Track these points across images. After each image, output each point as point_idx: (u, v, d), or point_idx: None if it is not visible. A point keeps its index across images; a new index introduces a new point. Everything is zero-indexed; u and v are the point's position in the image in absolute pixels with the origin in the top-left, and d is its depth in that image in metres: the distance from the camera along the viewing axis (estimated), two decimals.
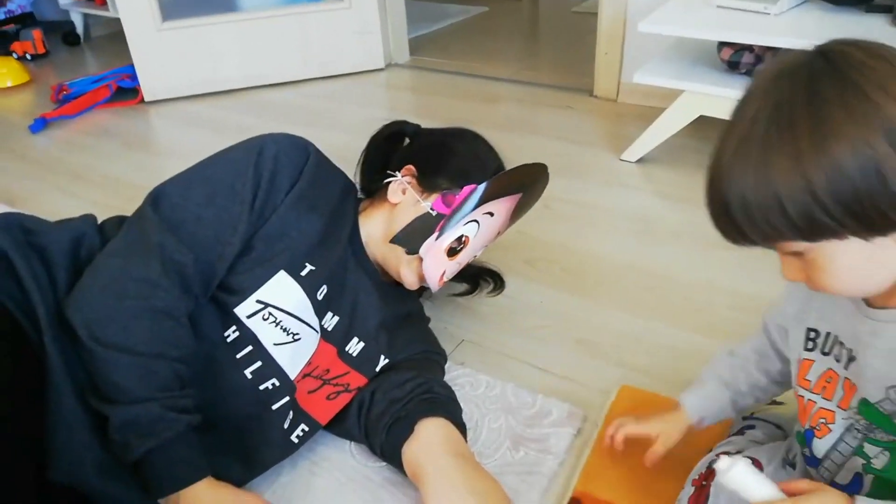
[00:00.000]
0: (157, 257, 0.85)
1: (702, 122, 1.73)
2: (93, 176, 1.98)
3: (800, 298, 0.74)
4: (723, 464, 0.65)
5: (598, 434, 1.02)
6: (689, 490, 0.84)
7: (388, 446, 0.95)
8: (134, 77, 2.56)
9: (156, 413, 0.80)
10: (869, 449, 0.66)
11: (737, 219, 0.55)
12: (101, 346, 0.80)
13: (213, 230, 0.90)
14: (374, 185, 1.13)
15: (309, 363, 0.98)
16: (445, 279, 1.06)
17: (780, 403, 0.99)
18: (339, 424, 1.02)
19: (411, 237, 1.03)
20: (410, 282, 1.06)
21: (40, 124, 2.35)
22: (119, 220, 0.98)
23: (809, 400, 0.72)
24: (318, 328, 0.99)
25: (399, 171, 1.08)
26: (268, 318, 0.93)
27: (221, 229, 0.90)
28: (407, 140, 1.18)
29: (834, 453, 0.70)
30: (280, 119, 2.36)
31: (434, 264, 1.03)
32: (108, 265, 0.86)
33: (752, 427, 0.93)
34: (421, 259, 1.03)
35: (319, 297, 0.98)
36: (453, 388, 1.08)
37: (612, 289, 1.39)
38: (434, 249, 1.02)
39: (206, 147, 1.02)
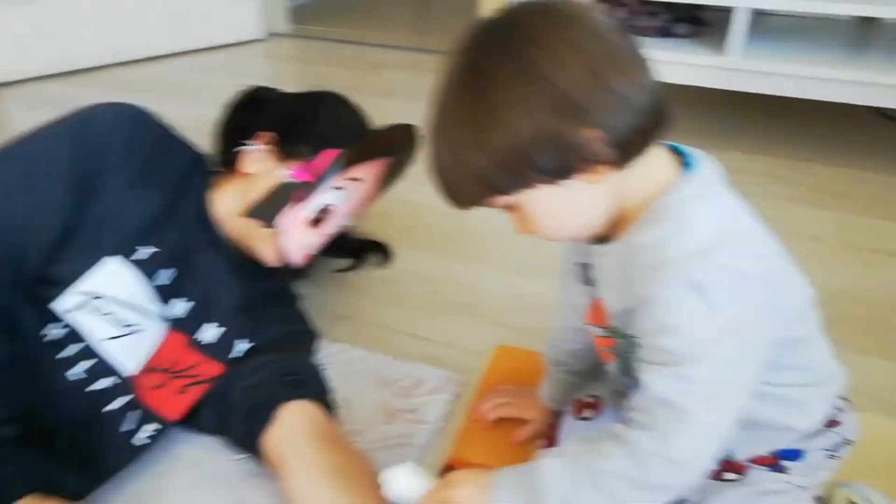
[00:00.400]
0: None
1: None
2: None
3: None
4: (386, 476, 0.71)
5: (471, 397, 0.98)
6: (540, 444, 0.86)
7: (247, 437, 0.87)
8: None
9: None
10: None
11: (443, 189, 0.61)
12: None
13: (23, 216, 0.79)
14: (227, 157, 1.03)
15: (154, 356, 0.88)
16: (311, 252, 0.98)
17: None
18: (195, 419, 0.93)
19: (267, 209, 0.94)
20: (269, 259, 0.97)
21: None
22: None
23: (593, 333, 0.73)
24: (162, 316, 0.89)
25: (254, 140, 0.98)
26: (94, 311, 0.83)
27: (35, 213, 0.80)
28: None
29: (620, 378, 0.71)
30: (149, 95, 2.17)
31: (294, 237, 0.95)
32: None
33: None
34: (278, 233, 0.94)
35: (160, 282, 0.88)
36: (327, 367, 1.01)
37: (496, 251, 1.36)
38: (293, 221, 0.94)
39: None
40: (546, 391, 0.90)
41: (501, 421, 0.93)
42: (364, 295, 1.24)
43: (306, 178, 0.94)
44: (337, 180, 0.94)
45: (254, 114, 1.06)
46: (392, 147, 0.99)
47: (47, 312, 0.81)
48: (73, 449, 0.83)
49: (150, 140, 0.89)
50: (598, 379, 0.85)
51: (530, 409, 0.91)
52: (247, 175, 0.96)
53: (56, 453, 0.82)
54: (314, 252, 0.99)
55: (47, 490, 0.76)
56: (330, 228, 0.98)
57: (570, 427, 0.84)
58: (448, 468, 0.87)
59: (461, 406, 0.98)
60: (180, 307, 0.92)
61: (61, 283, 0.81)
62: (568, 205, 0.59)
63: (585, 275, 0.72)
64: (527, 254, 1.33)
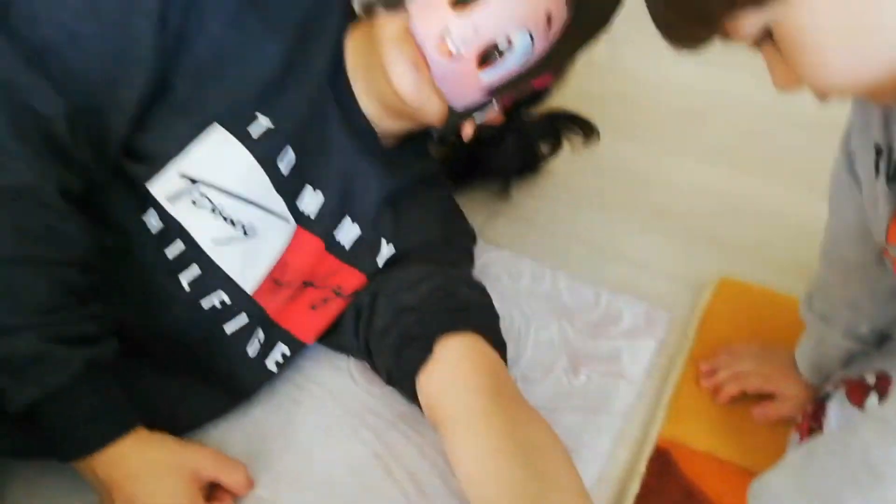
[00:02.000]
0: (1, 107, 0.54)
1: None
2: None
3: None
4: None
5: (689, 351, 0.73)
6: (794, 440, 0.61)
7: (398, 373, 0.68)
8: None
9: (35, 348, 0.54)
10: None
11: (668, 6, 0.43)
12: None
13: (99, 58, 0.58)
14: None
15: (277, 266, 0.68)
16: (453, 46, 0.64)
17: None
18: (332, 338, 0.75)
19: None
20: (399, 72, 0.65)
21: None
22: None
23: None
24: (288, 214, 0.67)
25: None
26: (199, 203, 0.62)
27: (114, 56, 0.59)
28: None
29: None
30: None
31: (428, 15, 0.64)
32: None
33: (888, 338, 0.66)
34: (409, 20, 0.65)
35: (283, 168, 0.66)
36: (485, 280, 0.78)
37: (701, 134, 1.04)
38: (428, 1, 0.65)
39: None
40: (805, 358, 0.65)
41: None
42: (524, 186, 0.97)
43: None
44: None
45: None
46: None
47: (145, 197, 0.61)
48: (189, 371, 0.67)
49: None
50: (890, 349, 0.60)
51: (782, 382, 0.67)
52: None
53: (165, 377, 0.66)
54: (470, 70, 0.65)
55: (153, 422, 0.61)
56: (482, 18, 0.64)
57: (842, 415, 0.59)
58: (660, 453, 0.65)
59: (669, 359, 0.74)
60: (309, 201, 0.69)
61: (154, 159, 0.62)
62: (861, 18, 0.38)
63: (887, 166, 0.49)
64: (744, 139, 1.01)
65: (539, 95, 0.79)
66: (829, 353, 0.63)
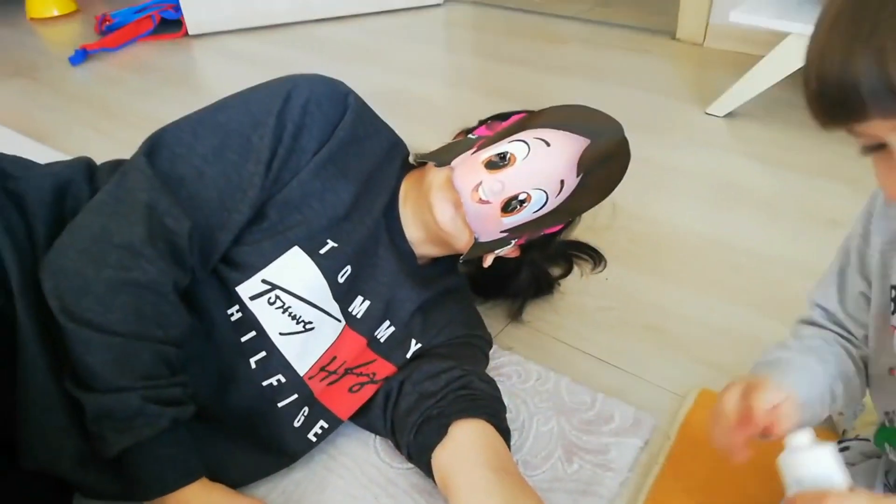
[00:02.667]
0: (143, 220, 0.70)
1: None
2: (126, 114, 1.86)
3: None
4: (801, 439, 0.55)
5: (669, 450, 0.84)
6: None
7: (416, 448, 0.80)
8: (178, 7, 2.42)
9: (135, 406, 0.67)
10: None
11: (823, 90, 0.46)
12: (73, 321, 0.66)
13: (217, 192, 0.75)
14: (420, 160, 0.92)
15: (325, 356, 0.83)
16: (483, 195, 0.80)
17: None
18: (363, 416, 0.87)
19: (442, 152, 0.85)
20: (441, 208, 0.82)
21: (80, 56, 2.25)
22: (115, 165, 0.84)
23: None
24: (340, 316, 0.83)
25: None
26: (274, 303, 0.78)
27: (229, 191, 0.75)
28: None
29: None
30: (329, 56, 2.18)
31: (468, 173, 0.82)
32: (88, 224, 0.72)
33: (846, 449, 0.75)
34: (452, 175, 0.82)
35: (341, 280, 0.82)
36: (499, 380, 0.92)
37: (691, 266, 1.19)
38: (469, 160, 0.83)
39: (250, 85, 0.85)
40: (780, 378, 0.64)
41: (704, 477, 0.79)
42: (540, 301, 1.12)
43: (486, 133, 0.84)
44: (520, 135, 0.83)
45: None
46: (592, 129, 0.85)
47: (232, 295, 0.77)
48: (246, 437, 0.80)
49: (352, 123, 0.81)
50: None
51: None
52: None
53: (229, 438, 0.79)
54: (494, 214, 0.81)
55: (214, 475, 0.73)
56: (509, 178, 0.81)
57: None
58: None
59: (651, 456, 0.85)
60: (358, 307, 0.85)
61: (247, 268, 0.77)
62: None
63: None
64: (726, 274, 1.16)
65: (551, 238, 0.97)
66: (804, 379, 0.63)
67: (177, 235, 0.71)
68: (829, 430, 0.87)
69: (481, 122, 0.93)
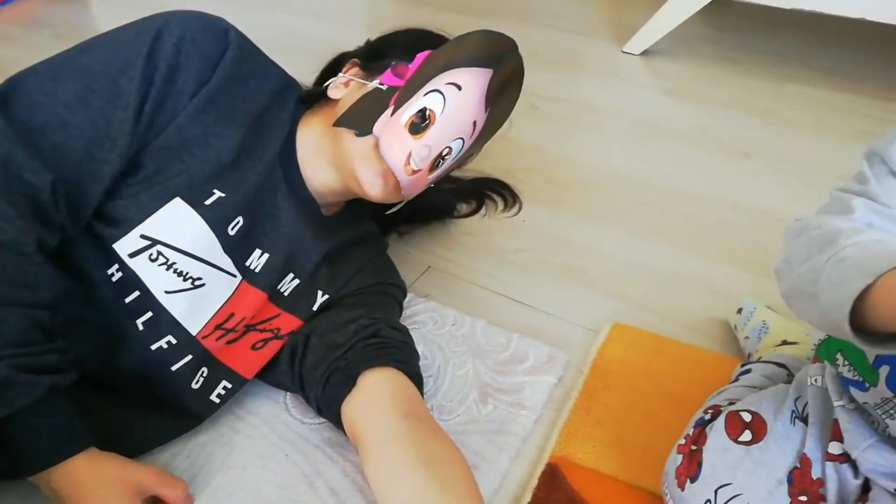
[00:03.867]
0: None
1: (717, 8, 1.47)
2: (15, 70, 1.71)
3: None
4: None
5: (582, 384, 0.85)
6: (675, 458, 0.68)
7: (324, 401, 0.78)
8: None
9: (4, 375, 0.61)
10: None
11: None
12: None
13: (83, 141, 0.68)
14: (313, 94, 0.88)
15: (220, 313, 0.78)
16: (415, 166, 0.78)
17: (794, 343, 0.82)
18: (270, 373, 0.84)
19: (359, 115, 0.79)
20: (371, 182, 0.79)
21: None
22: None
23: None
24: (234, 270, 0.79)
25: (341, 73, 0.85)
26: (156, 259, 0.72)
27: (96, 140, 0.69)
28: None
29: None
30: (226, 2, 2.06)
31: (395, 144, 0.78)
32: None
33: (747, 372, 0.76)
34: (377, 142, 0.78)
35: (231, 232, 0.77)
36: (414, 327, 0.90)
37: (606, 204, 1.19)
38: (391, 125, 0.78)
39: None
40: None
41: (616, 414, 0.79)
42: (453, 244, 1.10)
43: (400, 81, 0.79)
44: (432, 83, 0.78)
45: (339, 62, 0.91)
46: (493, 56, 0.82)
47: (110, 253, 0.72)
48: (143, 402, 0.76)
49: (233, 60, 0.75)
50: (766, 394, 0.67)
51: None
52: (334, 103, 0.83)
53: (120, 407, 0.75)
54: (419, 166, 0.79)
55: (107, 444, 0.69)
56: (433, 139, 0.79)
57: (719, 444, 0.64)
58: (550, 468, 0.75)
59: (565, 392, 0.85)
60: (256, 260, 0.81)
61: (123, 223, 0.71)
62: None
63: None
64: (641, 210, 1.17)
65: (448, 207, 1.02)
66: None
67: (37, 189, 0.65)
68: (736, 355, 0.89)
69: (367, 52, 0.87)
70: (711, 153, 1.31)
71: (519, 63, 0.84)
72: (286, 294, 0.83)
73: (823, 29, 1.73)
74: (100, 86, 0.69)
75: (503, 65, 0.82)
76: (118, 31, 0.74)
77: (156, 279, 0.73)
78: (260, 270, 0.80)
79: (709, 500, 0.61)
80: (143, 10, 0.77)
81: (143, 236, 0.71)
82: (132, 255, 0.72)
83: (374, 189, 0.79)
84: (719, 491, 0.61)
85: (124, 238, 0.71)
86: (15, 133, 0.66)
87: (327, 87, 0.84)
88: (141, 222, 0.71)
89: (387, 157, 0.77)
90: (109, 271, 0.72)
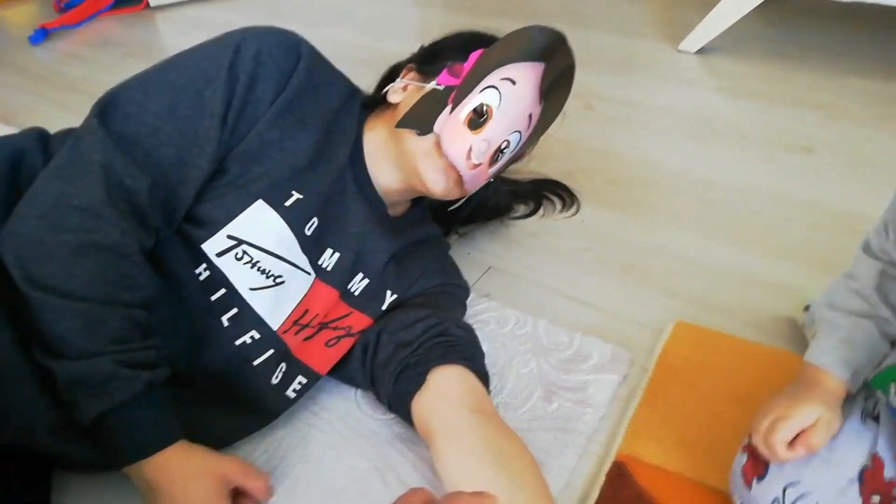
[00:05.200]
0: (101, 182, 0.69)
1: (773, 4, 1.44)
2: (90, 88, 1.81)
3: None
4: None
5: (647, 382, 0.85)
6: (741, 458, 0.68)
7: (395, 397, 0.80)
8: None
9: (107, 370, 0.66)
10: None
11: None
12: (37, 289, 0.66)
13: (174, 148, 0.73)
14: (374, 99, 0.92)
15: (297, 309, 0.82)
16: (476, 160, 0.81)
17: None
18: (342, 369, 0.87)
19: (420, 116, 0.82)
20: (434, 178, 0.81)
21: (41, 35, 2.18)
22: (68, 132, 0.82)
23: None
24: (309, 268, 0.82)
25: (399, 78, 0.88)
26: (242, 258, 0.77)
27: (185, 147, 0.74)
28: None
29: None
30: (293, 20, 2.13)
31: (456, 139, 0.81)
32: (45, 190, 0.70)
33: None
34: (438, 140, 0.81)
35: (308, 232, 0.81)
36: (477, 326, 0.92)
37: (665, 203, 1.19)
38: (451, 122, 0.81)
39: None
40: (829, 354, 0.65)
41: (682, 410, 0.80)
42: (514, 245, 1.12)
43: (457, 80, 0.82)
44: (487, 80, 0.81)
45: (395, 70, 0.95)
46: (544, 50, 0.83)
47: (199, 253, 0.76)
48: (224, 397, 0.80)
49: (306, 71, 0.80)
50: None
51: (809, 408, 0.62)
52: (395, 107, 0.86)
53: (207, 400, 0.79)
54: (480, 160, 0.81)
55: (194, 437, 0.73)
56: (492, 133, 0.81)
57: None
58: (617, 466, 0.76)
59: (629, 390, 0.86)
60: (328, 259, 0.84)
61: (211, 224, 0.76)
62: None
63: None
64: (701, 208, 1.16)
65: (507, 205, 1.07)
66: (858, 348, 0.64)
67: (136, 194, 0.70)
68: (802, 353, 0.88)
69: (422, 56, 0.90)
70: (772, 149, 1.29)
71: (570, 55, 0.86)
72: (356, 294, 0.87)
73: (883, 21, 1.69)
74: (186, 98, 0.74)
75: (555, 58, 0.84)
76: (199, 47, 0.79)
77: (241, 277, 0.77)
78: (331, 269, 0.84)
79: (776, 499, 0.61)
80: (206, 27, 0.81)
81: (229, 237, 0.76)
82: (219, 255, 0.76)
83: (437, 185, 0.82)
84: (787, 490, 0.61)
85: (212, 238, 0.76)
86: (113, 143, 0.71)
87: (387, 92, 0.87)
88: (228, 223, 0.76)
89: (448, 152, 0.80)
90: (197, 271, 0.77)
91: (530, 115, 0.84)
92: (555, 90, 0.85)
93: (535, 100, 0.83)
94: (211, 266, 0.77)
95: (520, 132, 0.84)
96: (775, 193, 1.17)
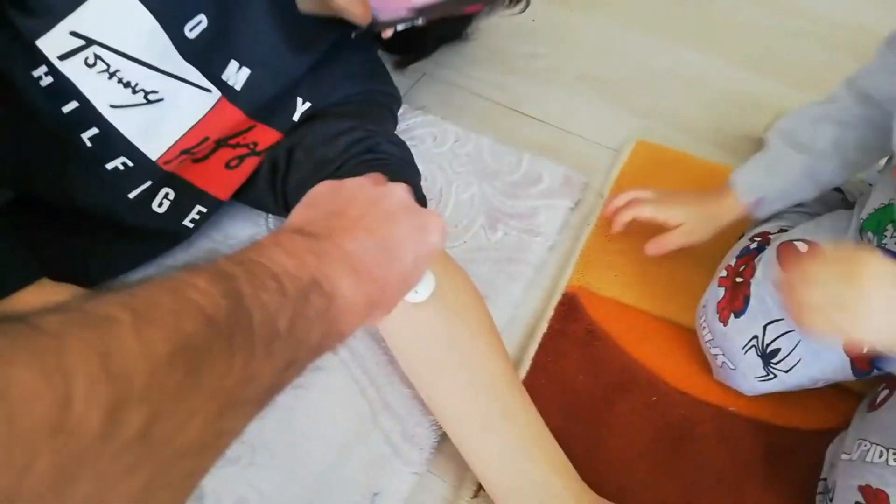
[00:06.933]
0: None
1: None
2: None
3: None
4: None
5: (601, 208, 0.76)
6: (716, 292, 0.60)
7: None
8: None
9: None
10: None
11: None
12: None
13: None
14: None
15: (190, 136, 0.65)
16: None
17: None
18: (248, 193, 0.73)
19: None
20: (357, 11, 0.65)
21: None
22: None
23: None
24: (208, 84, 0.64)
25: None
26: (94, 64, 0.57)
27: None
28: None
29: None
30: None
31: None
32: None
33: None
34: None
35: (190, 34, 0.61)
36: (411, 143, 0.77)
37: (630, 1, 1.02)
38: None
39: None
40: (748, 173, 0.63)
41: (639, 239, 0.71)
42: (454, 49, 0.95)
43: None
44: None
45: None
46: None
47: (34, 50, 0.57)
48: (98, 229, 0.65)
49: None
50: (821, 221, 0.61)
51: (675, 209, 0.65)
52: None
53: (77, 235, 0.64)
54: None
55: (66, 275, 0.60)
56: None
57: (768, 274, 0.57)
58: (568, 298, 0.68)
59: (583, 217, 0.76)
60: (234, 75, 0.66)
61: (43, 13, 0.56)
62: None
63: None
64: (670, 8, 1.01)
65: (469, 18, 0.82)
66: (778, 179, 0.61)
67: None
68: None
69: None
70: None
71: None
72: (262, 105, 0.70)
73: None
74: None
75: None
76: None
77: (95, 89, 0.59)
78: (241, 88, 0.66)
79: (756, 336, 0.55)
80: None
81: (73, 33, 0.56)
82: (62, 58, 0.57)
83: (358, 14, 0.64)
84: (769, 327, 0.54)
85: (49, 34, 0.56)
86: None
87: None
88: (69, 13, 0.55)
89: None
90: (36, 73, 0.58)
91: None
92: None
93: None
94: (54, 71, 0.57)
95: None
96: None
